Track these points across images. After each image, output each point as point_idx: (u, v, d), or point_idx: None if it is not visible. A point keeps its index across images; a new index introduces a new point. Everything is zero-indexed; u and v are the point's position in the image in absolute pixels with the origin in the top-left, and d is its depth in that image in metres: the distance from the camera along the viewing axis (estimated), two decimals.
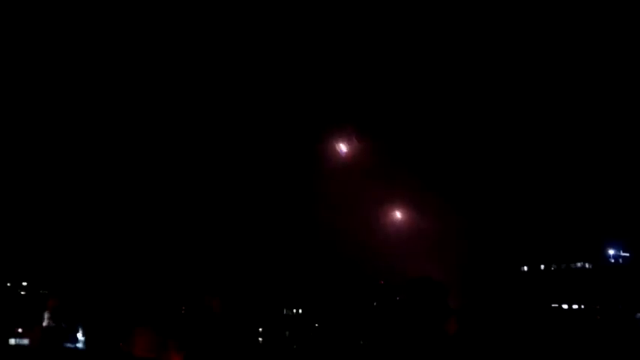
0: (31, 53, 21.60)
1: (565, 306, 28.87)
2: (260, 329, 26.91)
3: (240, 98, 23.83)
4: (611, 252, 29.62)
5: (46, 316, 10.82)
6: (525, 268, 31.47)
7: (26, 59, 21.67)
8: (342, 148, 22.14)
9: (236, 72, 23.18)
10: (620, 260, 29.55)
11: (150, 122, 24.30)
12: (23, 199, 24.53)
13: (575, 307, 28.72)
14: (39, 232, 25.51)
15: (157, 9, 21.52)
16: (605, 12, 21.00)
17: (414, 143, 25.05)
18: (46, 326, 10.77)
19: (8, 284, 27.14)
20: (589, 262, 30.45)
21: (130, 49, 22.51)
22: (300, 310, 30.87)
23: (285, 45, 22.51)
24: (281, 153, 25.39)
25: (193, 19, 21.98)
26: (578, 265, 30.77)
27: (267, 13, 21.78)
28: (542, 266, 31.40)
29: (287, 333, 29.02)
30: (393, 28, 22.54)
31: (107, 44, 22.26)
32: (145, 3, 21.44)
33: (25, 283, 27.29)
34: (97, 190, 25.44)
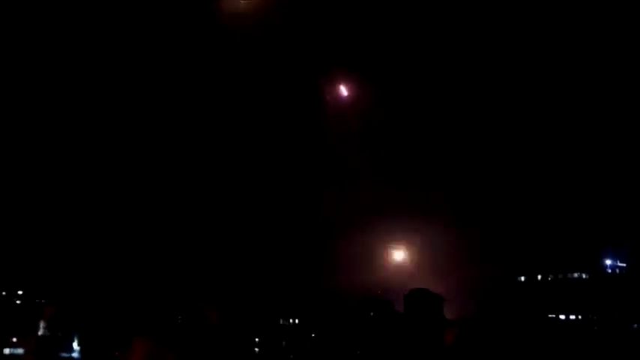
0: (31, 53, 21.63)
1: (562, 316, 28.80)
2: (256, 339, 26.78)
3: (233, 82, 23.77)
4: (609, 262, 29.60)
5: (42, 325, 10.76)
6: (522, 279, 31.41)
7: (26, 59, 21.70)
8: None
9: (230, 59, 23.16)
10: (617, 270, 29.53)
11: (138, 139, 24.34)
12: (20, 208, 24.46)
13: (572, 317, 28.66)
14: (35, 240, 25.41)
15: (154, 9, 21.58)
16: (604, 12, 21.10)
17: (413, 153, 25.09)
18: (41, 335, 10.71)
19: (4, 293, 26.99)
20: (586, 273, 30.41)
21: (129, 49, 22.55)
22: (297, 321, 30.74)
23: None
24: (277, 153, 25.38)
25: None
26: (576, 275, 30.73)
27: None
28: (540, 276, 31.35)
29: (283, 343, 28.88)
30: (394, 27, 22.64)
31: (107, 44, 22.30)
32: (144, 3, 21.51)
33: (20, 292, 27.14)
34: (94, 199, 25.39)
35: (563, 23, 21.97)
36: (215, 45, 22.75)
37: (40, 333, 10.73)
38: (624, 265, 29.19)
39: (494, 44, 23.08)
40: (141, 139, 24.54)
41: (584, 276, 30.59)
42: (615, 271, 29.55)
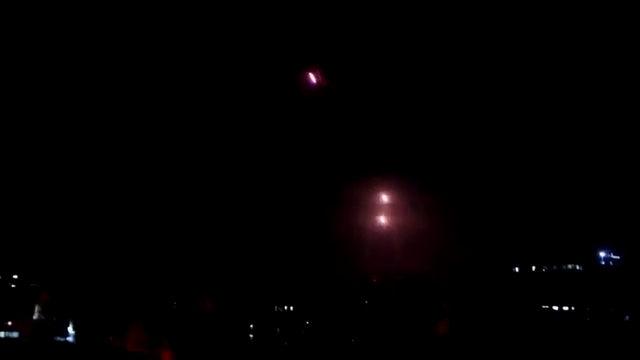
0: (31, 53, 21.56)
1: (555, 308, 28.97)
2: (251, 325, 26.88)
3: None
4: (603, 254, 29.74)
5: (37, 309, 10.78)
6: (516, 269, 31.56)
7: (26, 59, 21.63)
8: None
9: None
10: (611, 262, 29.67)
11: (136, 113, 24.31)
12: (15, 192, 24.42)
13: (565, 308, 28.83)
14: (31, 224, 25.39)
15: (157, 9, 21.49)
16: (604, 12, 21.06)
17: (409, 142, 25.11)
18: (36, 320, 10.73)
19: None
20: (580, 264, 30.57)
21: (130, 49, 22.49)
22: (292, 307, 30.85)
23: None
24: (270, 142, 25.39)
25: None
26: (570, 266, 30.89)
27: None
28: (534, 267, 31.50)
29: (278, 330, 28.99)
30: (390, 27, 22.57)
31: (108, 44, 22.23)
32: (145, 3, 21.41)
33: (15, 276, 27.16)
34: (89, 184, 25.36)
35: (562, 24, 21.95)
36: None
37: (35, 317, 10.76)
38: (618, 257, 29.34)
39: (493, 44, 23.08)
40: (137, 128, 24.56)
41: (578, 267, 30.75)
42: (609, 263, 29.70)
